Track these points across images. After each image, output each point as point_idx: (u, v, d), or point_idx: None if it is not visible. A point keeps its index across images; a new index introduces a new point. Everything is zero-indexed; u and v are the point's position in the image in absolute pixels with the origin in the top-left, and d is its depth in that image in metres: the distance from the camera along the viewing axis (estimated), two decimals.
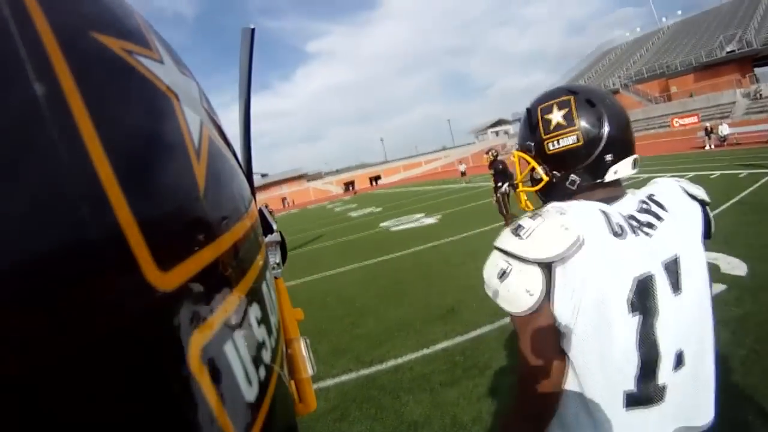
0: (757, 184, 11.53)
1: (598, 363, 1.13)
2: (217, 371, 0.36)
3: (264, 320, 0.47)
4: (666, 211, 1.23)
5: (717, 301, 4.57)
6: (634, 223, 1.18)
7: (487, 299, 4.15)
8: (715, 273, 5.70)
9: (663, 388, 1.16)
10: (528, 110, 1.39)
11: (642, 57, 60.79)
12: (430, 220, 16.30)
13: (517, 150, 1.44)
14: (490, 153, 11.23)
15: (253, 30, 0.72)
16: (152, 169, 0.35)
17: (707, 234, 1.28)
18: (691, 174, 14.95)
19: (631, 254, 1.12)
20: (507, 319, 5.30)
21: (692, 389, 1.22)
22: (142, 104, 0.37)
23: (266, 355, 0.45)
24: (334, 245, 15.67)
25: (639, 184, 1.39)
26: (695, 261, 1.20)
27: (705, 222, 1.28)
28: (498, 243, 1.19)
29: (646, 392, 1.15)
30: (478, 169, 40.72)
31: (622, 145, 1.28)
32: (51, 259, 0.26)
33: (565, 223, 1.11)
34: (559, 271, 1.10)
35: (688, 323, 1.19)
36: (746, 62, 43.07)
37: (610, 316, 1.10)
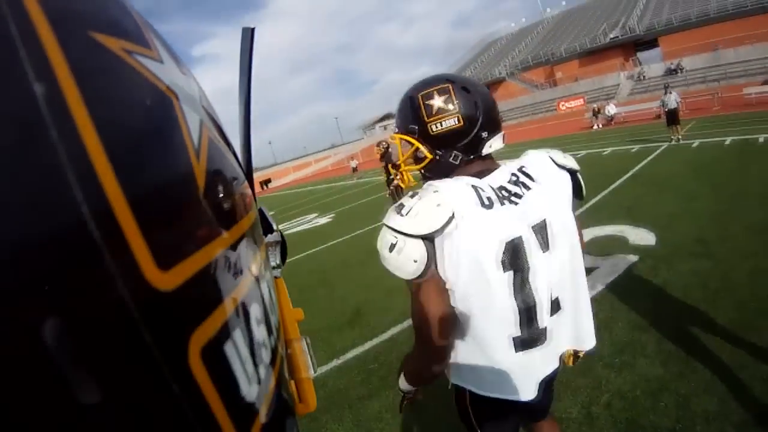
0: (650, 157, 12.28)
1: (481, 315, 1.36)
2: (217, 371, 0.36)
3: (264, 320, 0.47)
4: (534, 180, 1.41)
5: (632, 273, 4.68)
6: (504, 193, 1.36)
7: (392, 297, 3.96)
8: (624, 245, 5.94)
9: (544, 330, 1.41)
10: (409, 97, 1.52)
11: (527, 46, 63.00)
12: (324, 220, 16.02)
13: (397, 133, 1.59)
14: (380, 145, 10.99)
15: (252, 30, 0.72)
16: (152, 168, 0.35)
17: (579, 196, 1.51)
18: (584, 152, 15.72)
19: (498, 221, 1.31)
20: None
21: (572, 329, 1.50)
22: (142, 104, 0.36)
23: (266, 355, 0.45)
24: None
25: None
26: (563, 222, 1.42)
27: (575, 187, 1.49)
28: (385, 221, 1.34)
29: (530, 335, 1.40)
30: (370, 164, 40.84)
31: (493, 123, 1.48)
32: (51, 258, 0.26)
33: (440, 201, 1.28)
34: (438, 242, 1.29)
35: (561, 275, 1.42)
36: (629, 47, 45.98)
37: (485, 274, 1.31)
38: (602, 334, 3.81)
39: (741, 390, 2.91)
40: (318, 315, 6.33)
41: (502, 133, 1.52)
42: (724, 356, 3.25)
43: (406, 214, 1.30)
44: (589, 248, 5.83)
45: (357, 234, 11.35)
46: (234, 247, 0.43)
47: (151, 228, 0.32)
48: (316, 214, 18.33)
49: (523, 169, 1.45)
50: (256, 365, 0.42)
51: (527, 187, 1.40)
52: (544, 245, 1.38)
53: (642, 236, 6.15)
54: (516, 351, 1.40)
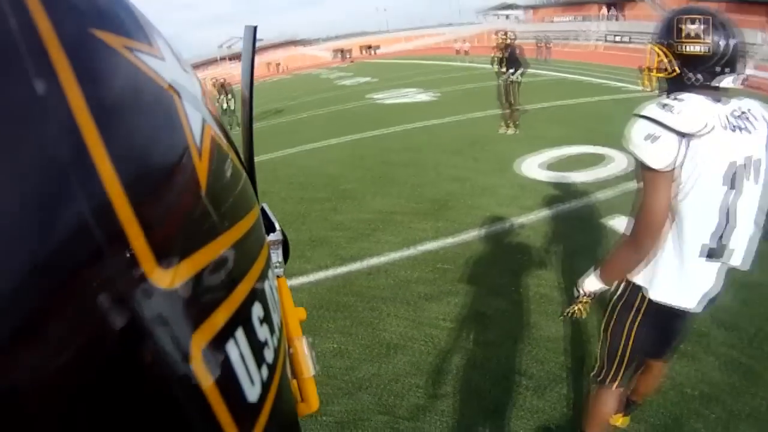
0: None
1: (691, 217, 1.63)
2: (218, 371, 0.36)
3: (266, 319, 0.46)
4: (754, 123, 1.63)
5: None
6: (735, 123, 1.60)
7: (481, 197, 3.70)
8: None
9: (725, 248, 1.67)
10: (672, 17, 1.73)
11: None
12: (426, 97, 15.62)
13: (654, 44, 1.81)
14: (504, 35, 10.02)
15: (255, 28, 0.72)
16: (154, 166, 0.34)
17: None
18: None
19: (732, 144, 1.57)
20: (499, 226, 4.86)
21: (747, 253, 1.73)
22: (144, 101, 0.36)
23: (269, 355, 0.45)
24: (321, 115, 15.14)
25: None
26: (766, 164, 1.66)
27: None
28: (645, 112, 1.58)
29: (718, 248, 1.67)
30: (481, 50, 39.03)
31: (732, 63, 1.64)
32: (50, 257, 0.26)
33: (702, 110, 1.55)
34: (686, 143, 1.52)
35: (756, 206, 1.68)
36: None
37: (710, 185, 1.58)
38: None
39: None
40: (402, 196, 6.24)
41: (739, 75, 1.67)
42: None
43: (671, 111, 1.54)
44: None
45: (458, 119, 10.98)
46: (236, 245, 0.42)
47: (152, 225, 0.31)
48: (419, 90, 17.85)
49: (749, 110, 1.66)
50: (258, 365, 0.42)
51: (751, 125, 1.63)
52: (755, 177, 1.63)
53: None
54: (702, 257, 1.68)
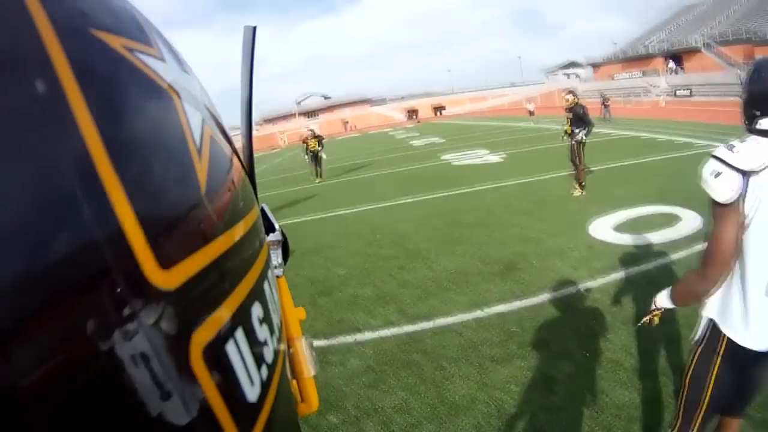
0: None
1: (755, 252, 1.70)
2: (218, 371, 0.36)
3: (266, 319, 0.47)
4: None
5: None
6: None
7: (549, 258, 3.74)
8: None
9: None
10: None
11: (728, 18, 54.67)
12: (494, 158, 15.64)
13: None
14: (570, 95, 10.10)
15: (254, 28, 0.73)
16: (154, 167, 0.35)
17: None
18: None
19: None
20: (570, 289, 4.77)
21: None
22: (144, 102, 0.37)
23: (268, 355, 0.45)
24: (391, 174, 15.43)
25: None
26: None
27: None
28: (716, 153, 1.72)
29: None
30: (547, 110, 38.90)
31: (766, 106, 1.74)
32: (52, 257, 0.26)
33: (759, 150, 1.67)
34: (751, 180, 1.65)
35: None
36: None
37: None
38: None
39: None
40: (470, 256, 6.20)
41: None
42: None
43: (736, 153, 1.68)
44: None
45: (526, 181, 10.88)
46: (236, 246, 0.42)
47: (152, 226, 0.32)
48: (486, 151, 17.97)
49: None
50: (258, 365, 0.42)
51: None
52: None
53: None
54: (765, 295, 1.72)
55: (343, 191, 13.58)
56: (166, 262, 0.32)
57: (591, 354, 3.63)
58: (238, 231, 0.44)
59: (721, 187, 1.68)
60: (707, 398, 1.96)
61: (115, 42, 0.36)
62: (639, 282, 4.75)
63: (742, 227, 1.70)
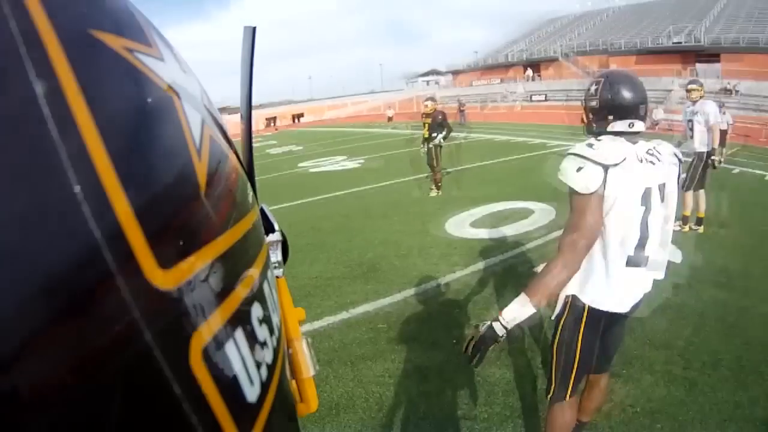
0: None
1: (614, 233, 2.01)
2: (218, 371, 0.36)
3: (265, 320, 0.46)
4: (660, 157, 2.10)
5: (654, 285, 4.36)
6: (648, 158, 2.05)
7: (410, 257, 3.86)
8: None
9: (647, 257, 2.10)
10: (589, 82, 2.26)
11: (587, 30, 59.94)
12: (352, 164, 15.85)
13: (581, 103, 2.31)
14: (430, 101, 10.47)
15: (254, 29, 0.72)
16: (153, 167, 0.35)
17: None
18: None
19: (644, 173, 2.01)
20: (432, 284, 4.98)
21: (657, 267, 2.19)
22: (143, 102, 0.36)
23: (268, 355, 0.45)
24: None
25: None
26: (673, 189, 2.14)
27: (678, 175, 2.19)
28: (576, 151, 1.99)
29: (638, 258, 2.08)
30: (406, 116, 40.17)
31: (621, 112, 2.09)
32: (50, 258, 0.26)
33: (616, 147, 1.97)
34: (610, 172, 1.92)
35: (665, 224, 2.14)
36: (690, 56, 43.18)
37: (629, 205, 1.99)
38: None
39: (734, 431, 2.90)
40: (333, 262, 6.25)
41: (638, 121, 2.12)
42: (724, 392, 3.23)
43: (597, 149, 1.95)
44: None
45: (384, 185, 11.17)
46: (235, 246, 0.42)
47: (151, 226, 0.31)
48: (344, 157, 18.19)
49: (655, 147, 2.12)
50: (257, 365, 0.42)
51: (658, 159, 2.08)
52: (662, 198, 2.08)
53: (670, 252, 5.73)
54: (626, 266, 2.06)
55: None
56: (165, 262, 0.32)
57: (459, 341, 3.82)
58: (238, 231, 0.44)
59: (584, 180, 1.91)
60: (577, 361, 2.22)
61: (115, 42, 0.35)
62: (497, 270, 5.21)
63: (602, 213, 1.96)
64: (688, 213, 7.00)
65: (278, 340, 0.50)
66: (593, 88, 2.14)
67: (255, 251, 0.49)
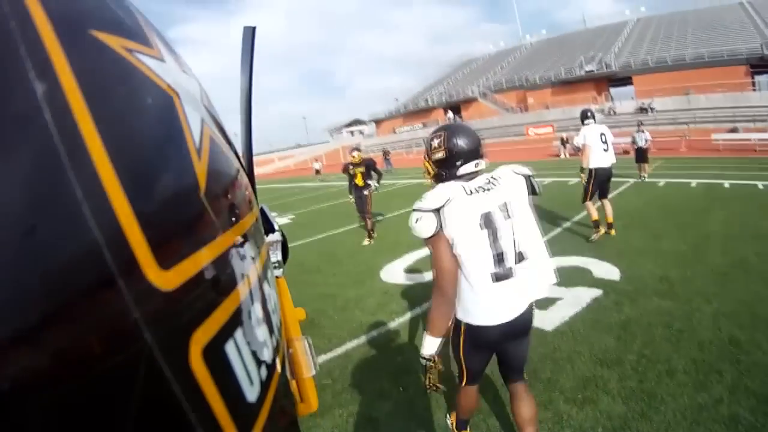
0: (617, 191, 11.81)
1: (472, 259, 2.25)
2: (218, 370, 0.36)
3: (265, 320, 0.46)
4: (498, 181, 2.36)
5: (596, 307, 4.56)
6: (480, 188, 2.30)
7: (347, 310, 3.82)
8: (587, 278, 5.93)
9: (511, 269, 2.30)
10: (427, 138, 2.54)
11: (503, 69, 62.74)
12: (283, 220, 15.67)
13: (424, 159, 2.56)
14: (356, 151, 10.66)
15: (254, 29, 0.73)
16: (153, 167, 0.35)
17: (533, 192, 2.43)
18: (550, 180, 15.30)
19: (477, 202, 2.24)
20: (372, 333, 4.97)
21: (535, 275, 2.39)
22: (143, 102, 0.36)
23: (268, 355, 0.45)
24: None
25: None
26: (520, 204, 2.35)
27: (530, 185, 2.43)
28: (414, 206, 2.27)
29: (503, 272, 2.28)
30: (334, 168, 40.37)
31: (469, 155, 2.36)
32: (51, 258, 0.26)
33: (441, 192, 2.24)
34: (443, 213, 2.18)
35: (521, 235, 2.33)
36: (603, 82, 46.19)
37: (472, 233, 2.23)
38: (564, 368, 3.87)
39: None
40: None
41: (481, 160, 2.41)
42: (685, 397, 3.29)
43: (424, 200, 2.23)
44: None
45: (317, 239, 11.05)
46: (235, 246, 0.42)
47: (152, 227, 0.31)
48: (275, 214, 17.54)
49: (493, 175, 2.39)
50: (257, 365, 0.42)
51: (495, 184, 2.34)
52: (507, 216, 2.29)
53: (606, 270, 6.11)
54: (494, 282, 2.27)
55: None
56: (165, 262, 0.32)
57: (406, 388, 3.84)
58: (238, 231, 0.44)
59: (423, 226, 2.20)
60: (465, 371, 2.61)
61: (115, 43, 0.35)
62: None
63: (450, 247, 2.24)
64: (595, 218, 7.80)
65: (278, 340, 0.50)
66: (435, 142, 2.41)
67: (255, 251, 0.49)
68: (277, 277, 0.70)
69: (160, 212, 0.34)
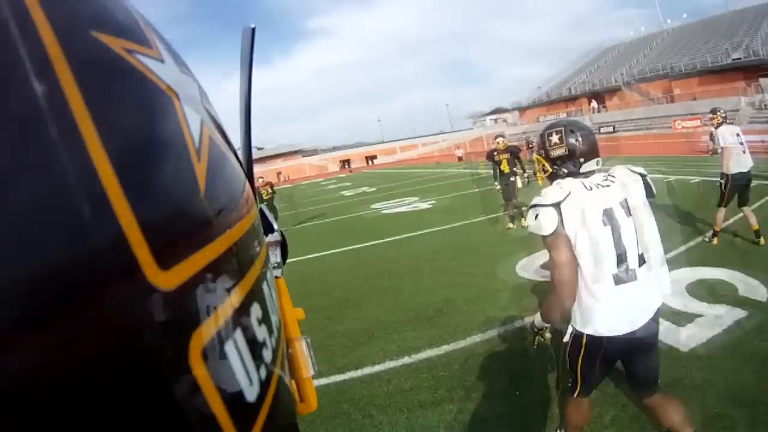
0: (765, 199, 9.50)
1: (592, 258, 2.15)
2: (217, 371, 0.36)
3: (265, 320, 0.47)
4: (611, 180, 2.29)
5: (738, 331, 4.01)
6: (599, 185, 2.23)
7: (478, 302, 3.67)
8: (732, 295, 5.05)
9: (634, 272, 2.19)
10: (541, 134, 2.44)
11: (645, 56, 58.36)
12: (424, 205, 15.80)
13: (536, 155, 2.49)
14: (500, 137, 10.49)
15: (253, 30, 0.73)
16: (153, 168, 0.35)
17: (649, 193, 2.33)
18: (697, 179, 13.23)
19: (598, 197, 2.18)
20: (499, 330, 4.80)
21: (654, 281, 2.27)
22: (143, 103, 0.37)
23: (267, 355, 0.45)
24: (323, 225, 15.40)
25: None
26: (639, 203, 2.26)
27: (646, 186, 2.33)
28: (531, 203, 2.21)
29: (624, 273, 2.18)
30: (476, 155, 39.95)
31: (589, 154, 2.30)
32: (52, 259, 0.26)
33: (561, 186, 2.19)
34: (563, 208, 2.11)
35: (642, 236, 2.23)
36: (752, 71, 40.68)
37: (594, 229, 2.13)
38: (693, 397, 3.31)
39: None
40: (399, 305, 6.13)
41: (598, 159, 2.34)
42: None
43: (542, 196, 2.17)
44: (694, 290, 5.25)
45: (455, 226, 10.99)
46: (235, 246, 0.42)
47: (151, 227, 0.31)
48: (416, 198, 18.17)
49: (610, 173, 2.33)
50: (257, 365, 0.42)
51: (613, 181, 2.27)
52: (627, 213, 2.21)
53: (753, 288, 5.11)
54: (615, 285, 2.16)
55: None
56: (165, 262, 0.32)
57: (523, 393, 3.63)
58: (237, 232, 0.44)
59: (542, 222, 2.13)
60: (579, 382, 2.45)
61: (115, 44, 0.36)
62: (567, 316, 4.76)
63: (571, 246, 2.15)
64: (717, 228, 7.18)
65: (277, 340, 0.51)
66: (555, 137, 2.32)
67: (254, 251, 0.50)
68: (276, 277, 0.70)
69: (160, 213, 0.34)
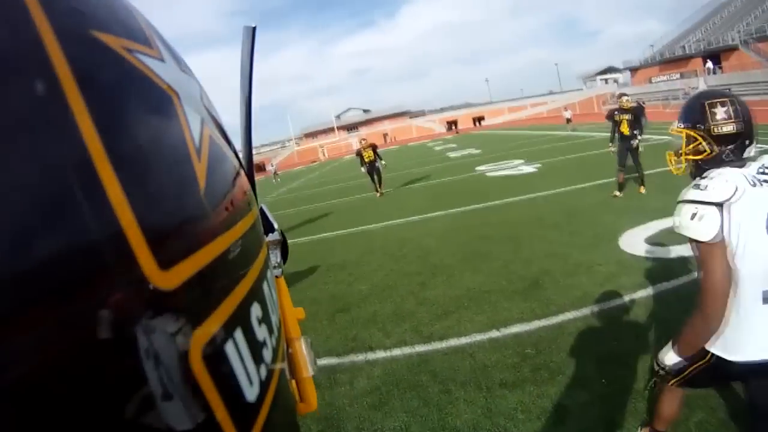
0: None
1: (746, 271, 1.76)
2: (218, 370, 0.36)
3: (265, 319, 0.47)
4: None
5: None
6: (757, 179, 1.80)
7: (575, 276, 3.38)
8: None
9: None
10: (700, 102, 1.97)
11: (764, 13, 52.00)
12: (529, 169, 15.32)
13: (685, 128, 2.01)
14: (625, 97, 9.70)
15: (254, 28, 0.73)
16: (153, 167, 0.35)
17: None
18: None
19: (761, 197, 1.75)
20: (594, 308, 4.51)
21: None
22: (143, 103, 0.37)
23: (267, 355, 0.45)
24: (425, 187, 15.33)
25: None
26: None
27: None
28: (686, 197, 1.84)
29: None
30: (586, 117, 38.12)
31: (753, 135, 1.92)
32: (52, 258, 0.26)
33: (728, 179, 1.77)
34: (730, 209, 1.73)
35: None
36: None
37: (757, 236, 1.73)
38: None
39: None
40: (494, 273, 5.96)
41: (755, 144, 1.95)
42: None
43: (705, 189, 1.77)
44: None
45: (559, 191, 10.55)
46: (235, 246, 0.42)
47: (151, 226, 0.32)
48: (521, 161, 17.65)
49: (764, 164, 1.85)
50: (257, 365, 0.42)
51: None
52: None
53: None
54: (764, 304, 1.78)
55: (372, 206, 13.57)
56: (165, 262, 0.32)
57: (610, 382, 3.36)
58: (238, 231, 0.44)
59: (702, 226, 1.75)
60: (686, 377, 2.12)
61: (115, 43, 0.35)
62: (669, 300, 4.40)
63: (729, 257, 1.76)
64: None
65: (278, 340, 0.51)
66: (723, 111, 1.89)
67: (254, 251, 0.50)
68: (276, 276, 0.70)
69: (160, 212, 0.34)
